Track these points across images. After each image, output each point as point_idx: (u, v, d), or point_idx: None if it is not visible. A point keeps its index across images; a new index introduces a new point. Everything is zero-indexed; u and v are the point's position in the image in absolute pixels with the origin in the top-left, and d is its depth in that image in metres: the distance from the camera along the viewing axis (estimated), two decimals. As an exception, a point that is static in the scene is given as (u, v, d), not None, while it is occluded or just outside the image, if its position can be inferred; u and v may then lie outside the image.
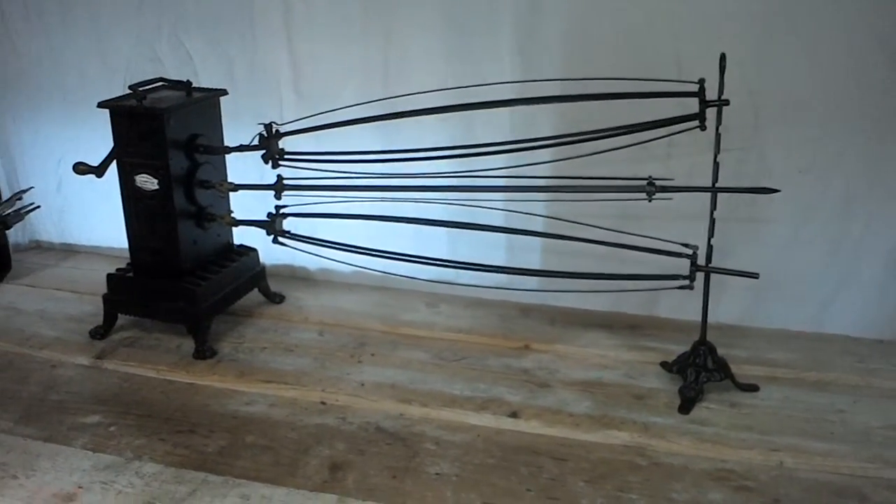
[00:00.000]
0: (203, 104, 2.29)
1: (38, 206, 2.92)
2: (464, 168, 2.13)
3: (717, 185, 1.94)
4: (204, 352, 2.26)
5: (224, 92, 2.35)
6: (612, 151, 1.98)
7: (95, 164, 2.23)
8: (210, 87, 2.40)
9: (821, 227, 2.29)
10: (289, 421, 2.00)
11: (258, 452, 1.88)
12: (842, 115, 2.17)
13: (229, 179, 2.37)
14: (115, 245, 2.74)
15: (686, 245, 1.98)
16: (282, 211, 2.23)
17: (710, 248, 1.99)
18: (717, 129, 1.90)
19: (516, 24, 2.32)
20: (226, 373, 2.20)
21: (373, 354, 2.30)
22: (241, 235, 2.51)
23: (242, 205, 2.41)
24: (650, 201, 1.96)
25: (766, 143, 2.24)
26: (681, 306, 2.33)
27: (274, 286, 2.64)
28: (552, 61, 2.30)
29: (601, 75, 1.98)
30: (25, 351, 2.33)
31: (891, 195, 2.22)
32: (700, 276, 2.01)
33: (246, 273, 2.47)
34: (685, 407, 2.00)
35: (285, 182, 2.20)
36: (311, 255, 2.30)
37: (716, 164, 1.93)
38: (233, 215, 2.38)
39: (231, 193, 2.35)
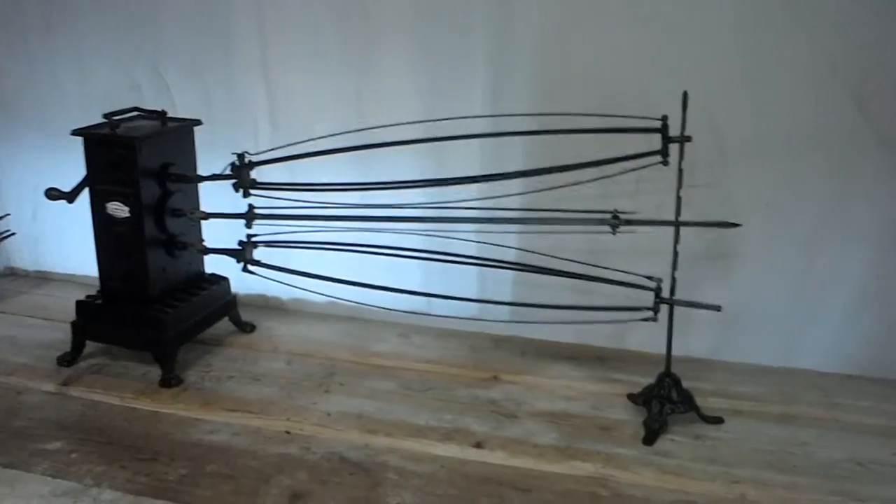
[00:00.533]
0: (177, 133, 2.31)
1: (14, 233, 2.93)
2: (435, 201, 2.15)
3: (680, 219, 1.96)
4: (170, 380, 2.25)
5: (198, 122, 2.38)
6: (584, 189, 2.01)
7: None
8: (187, 117, 2.43)
9: (787, 262, 2.32)
10: (251, 450, 1.99)
11: (219, 481, 1.86)
12: (805, 151, 2.21)
13: (206, 209, 2.38)
14: (90, 273, 2.72)
15: (650, 278, 2.00)
16: (252, 240, 2.24)
17: (673, 280, 2.00)
18: (679, 164, 1.93)
19: (488, 61, 2.37)
20: (191, 401, 2.19)
21: (341, 384, 2.30)
22: (215, 265, 2.52)
23: (216, 234, 2.42)
24: (614, 234, 1.99)
25: (731, 179, 2.28)
26: (648, 339, 2.34)
27: (246, 316, 2.64)
28: (522, 97, 2.34)
29: (570, 111, 2.01)
30: (-9, 377, 2.32)
31: (856, 230, 2.25)
32: (665, 308, 2.02)
33: (216, 302, 2.47)
34: (649, 438, 2.00)
35: (257, 211, 2.21)
36: (284, 286, 2.31)
37: (678, 199, 1.96)
38: (204, 244, 2.39)
39: (206, 223, 2.37)
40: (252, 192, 2.21)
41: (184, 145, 2.34)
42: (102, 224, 2.24)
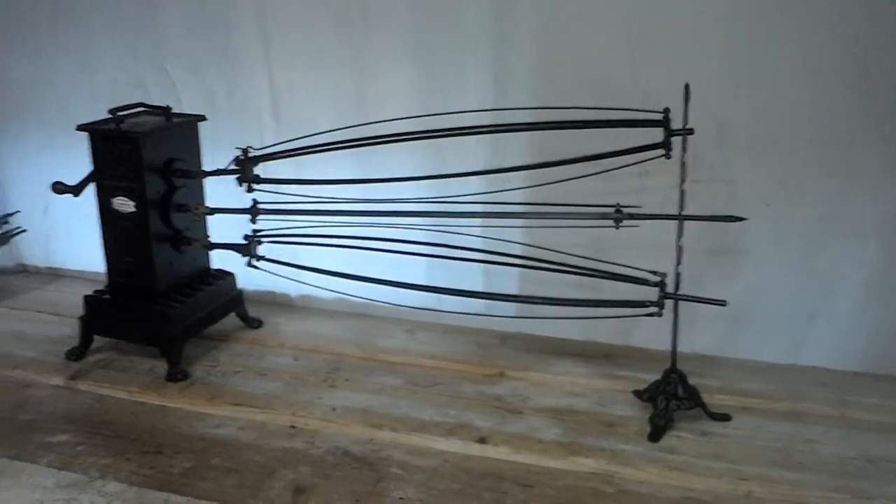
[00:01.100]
0: (181, 129, 2.33)
1: (24, 230, 2.96)
2: (438, 195, 2.15)
3: (683, 213, 1.95)
4: (176, 374, 2.26)
5: (202, 117, 2.39)
6: (588, 186, 2.00)
7: (79, 188, 2.26)
8: (192, 112, 2.44)
9: (793, 258, 2.30)
10: (256, 444, 1.99)
11: (223, 474, 1.87)
12: (809, 147, 2.20)
13: (212, 205, 2.39)
14: (101, 269, 2.75)
15: (654, 273, 1.99)
16: (258, 235, 2.25)
17: (677, 275, 1.99)
18: (682, 157, 1.91)
19: (487, 56, 2.36)
20: (197, 395, 2.20)
21: (347, 379, 2.30)
22: (222, 260, 2.53)
23: (224, 231, 2.43)
24: (617, 228, 1.98)
25: (735, 175, 2.26)
26: (655, 336, 2.32)
27: (254, 312, 2.65)
28: (522, 92, 2.34)
29: (571, 105, 2.00)
30: None
31: (860, 226, 2.23)
32: (670, 304, 2.01)
33: (222, 297, 2.48)
34: (655, 435, 1.99)
35: (261, 206, 2.22)
36: (291, 283, 2.32)
37: (681, 192, 1.94)
38: (210, 239, 2.40)
39: (213, 219, 2.38)
40: (256, 187, 2.21)
41: (188, 141, 2.35)
42: (108, 219, 2.26)
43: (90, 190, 2.28)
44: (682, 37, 2.20)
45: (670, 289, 2.00)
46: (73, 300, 2.72)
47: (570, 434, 2.02)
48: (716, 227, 2.11)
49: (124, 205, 2.22)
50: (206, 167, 2.38)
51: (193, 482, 1.84)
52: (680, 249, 1.97)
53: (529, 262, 2.12)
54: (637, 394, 2.16)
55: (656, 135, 1.94)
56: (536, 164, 2.05)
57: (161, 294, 2.29)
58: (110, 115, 2.22)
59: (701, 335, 2.38)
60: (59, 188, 2.24)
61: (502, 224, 2.18)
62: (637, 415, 2.10)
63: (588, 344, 2.49)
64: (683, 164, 1.91)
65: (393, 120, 2.09)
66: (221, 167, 2.25)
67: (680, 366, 2.07)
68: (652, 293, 2.01)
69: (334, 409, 2.14)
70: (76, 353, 2.38)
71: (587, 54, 2.29)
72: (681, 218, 1.95)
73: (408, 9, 2.39)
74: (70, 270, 3.05)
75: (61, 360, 2.38)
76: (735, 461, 1.91)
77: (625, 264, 2.01)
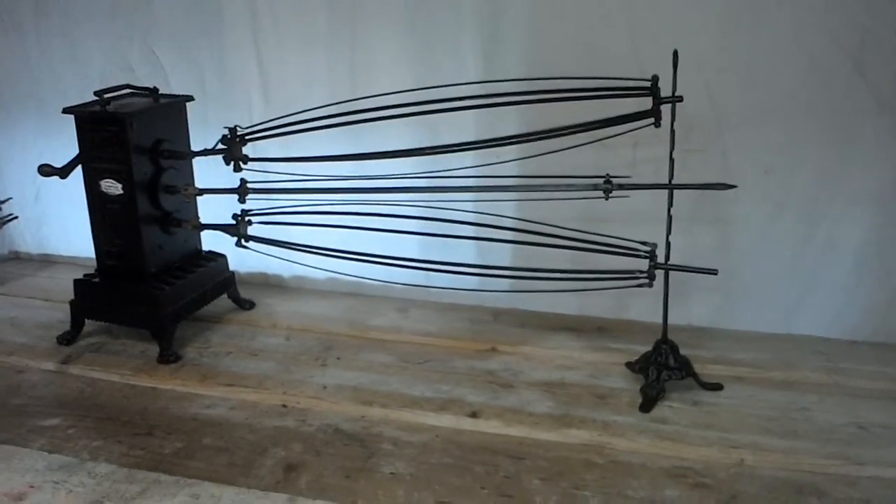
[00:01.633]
0: (169, 109, 2.31)
1: (16, 217, 2.95)
2: (429, 170, 2.13)
3: (674, 182, 1.93)
4: (168, 356, 2.25)
5: (190, 98, 2.37)
6: (581, 159, 1.98)
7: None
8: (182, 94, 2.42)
9: (787, 228, 2.28)
10: (248, 423, 1.99)
11: (213, 454, 1.87)
12: (804, 116, 2.17)
13: (205, 187, 2.37)
14: (93, 255, 2.75)
15: (644, 243, 1.97)
16: (247, 215, 2.23)
17: (668, 245, 1.97)
18: (671, 125, 1.89)
19: (479, 28, 2.34)
20: (188, 377, 2.20)
21: (338, 358, 2.29)
22: (215, 242, 2.51)
23: (216, 212, 2.41)
24: (607, 199, 1.96)
25: (729, 144, 2.24)
26: (650, 309, 2.29)
27: (246, 293, 2.64)
28: (514, 63, 2.32)
29: (563, 76, 1.98)
30: (-9, 357, 2.34)
31: (856, 195, 2.21)
32: (661, 275, 1.99)
33: (213, 279, 2.47)
34: (646, 405, 1.98)
35: (250, 186, 2.21)
36: (284, 264, 2.31)
37: (671, 161, 1.92)
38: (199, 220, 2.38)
39: (205, 201, 2.36)
40: (245, 166, 2.20)
41: (176, 121, 2.33)
42: (97, 202, 2.25)
43: (80, 176, 2.27)
44: (676, 6, 2.18)
45: (662, 259, 1.98)
46: (65, 286, 2.70)
47: (562, 407, 2.02)
48: (710, 199, 2.10)
49: (112, 187, 2.21)
50: (198, 149, 2.36)
51: (184, 462, 1.84)
52: (670, 219, 1.96)
53: (520, 238, 2.09)
54: (629, 366, 2.15)
55: (649, 105, 1.91)
56: (520, 135, 2.03)
57: (151, 276, 2.28)
58: (96, 98, 2.21)
59: (696, 307, 2.37)
60: (45, 170, 2.22)
61: (494, 198, 2.16)
62: (629, 387, 2.09)
63: (582, 318, 2.48)
64: (672, 132, 1.89)
65: (383, 95, 2.06)
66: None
67: (674, 338, 2.06)
68: (643, 264, 1.99)
69: (325, 387, 2.14)
70: (68, 338, 2.38)
71: (581, 24, 2.26)
72: (671, 187, 1.93)
73: None
74: (62, 256, 3.05)
75: (53, 345, 2.38)
76: (727, 430, 1.90)
77: (618, 237, 2.00)
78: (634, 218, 2.07)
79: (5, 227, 2.91)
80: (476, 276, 2.18)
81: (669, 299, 2.03)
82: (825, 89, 2.14)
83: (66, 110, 2.21)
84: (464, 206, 2.14)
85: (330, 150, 2.21)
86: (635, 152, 2.27)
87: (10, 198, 2.93)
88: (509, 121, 2.28)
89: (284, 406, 2.06)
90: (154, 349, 2.29)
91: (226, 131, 2.19)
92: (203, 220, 2.40)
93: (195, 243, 2.47)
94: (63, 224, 2.97)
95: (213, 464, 1.83)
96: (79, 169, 2.25)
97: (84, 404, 2.09)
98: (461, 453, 1.85)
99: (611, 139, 1.96)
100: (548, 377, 2.16)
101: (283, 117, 2.14)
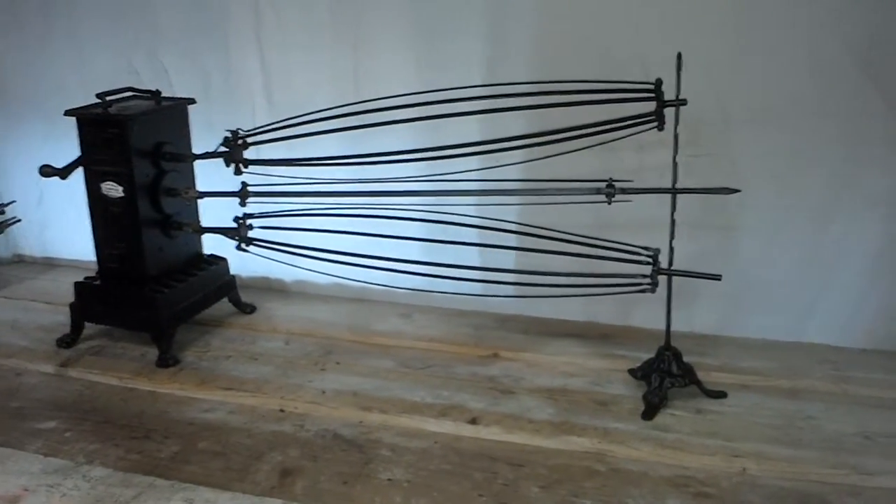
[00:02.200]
0: (170, 112, 2.30)
1: (19, 220, 2.94)
2: (432, 175, 2.11)
3: (677, 186, 1.91)
4: (167, 360, 2.24)
5: (192, 101, 2.36)
6: (586, 165, 1.97)
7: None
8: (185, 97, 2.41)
9: (796, 235, 2.25)
10: (245, 428, 1.97)
11: (209, 458, 1.85)
12: (813, 121, 2.14)
13: (208, 190, 2.35)
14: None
15: (646, 248, 1.95)
16: (249, 218, 2.22)
17: (671, 250, 1.94)
18: (675, 128, 1.87)
19: (484, 32, 2.32)
20: (187, 381, 2.18)
21: (338, 363, 2.27)
22: (216, 246, 2.50)
23: (218, 216, 2.40)
24: (609, 203, 1.94)
25: (736, 149, 2.21)
26: (654, 316, 2.26)
27: (248, 297, 2.63)
28: (519, 68, 2.30)
29: (567, 79, 1.96)
30: (-9, 359, 2.34)
31: (865, 201, 2.18)
32: (664, 281, 1.97)
33: (214, 282, 2.46)
34: (649, 413, 1.95)
35: (251, 189, 2.19)
36: (286, 268, 2.28)
37: (675, 165, 1.90)
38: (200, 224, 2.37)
39: (207, 204, 2.35)
40: (246, 169, 2.19)
41: (178, 124, 2.32)
42: (98, 205, 2.24)
43: (82, 179, 2.26)
44: (683, 8, 2.15)
45: (666, 265, 1.96)
46: (67, 289, 2.69)
47: (563, 413, 1.99)
48: (717, 204, 2.06)
49: (113, 190, 2.20)
50: (201, 152, 2.35)
51: (179, 466, 1.82)
52: (673, 224, 1.93)
53: (524, 243, 2.07)
54: (632, 372, 2.12)
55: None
56: (521, 136, 2.01)
57: (152, 279, 2.27)
58: (98, 100, 2.20)
59: (701, 314, 2.34)
60: (46, 171, 2.22)
61: (497, 202, 2.14)
62: (632, 394, 2.06)
63: (587, 325, 2.46)
64: (676, 136, 1.87)
65: (385, 98, 2.05)
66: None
67: (678, 345, 2.03)
68: (649, 270, 1.96)
69: (324, 392, 2.12)
70: (67, 341, 2.37)
71: (586, 27, 2.25)
72: (673, 191, 1.91)
73: None
74: (65, 259, 3.04)
75: (53, 348, 2.37)
76: (730, 438, 1.87)
77: (623, 242, 1.97)
78: (640, 224, 2.05)
79: (9, 230, 2.90)
80: (479, 281, 2.16)
81: (675, 306, 2.00)
82: (834, 92, 2.12)
83: (67, 112, 2.21)
84: (467, 210, 2.12)
85: (333, 153, 2.19)
86: (641, 158, 2.24)
87: (14, 201, 2.92)
88: (514, 124, 2.26)
89: (282, 411, 2.04)
90: (153, 352, 2.28)
91: (228, 134, 2.18)
92: (204, 224, 2.39)
93: (196, 246, 2.46)
94: (66, 227, 2.96)
95: (209, 468, 1.81)
96: (81, 172, 2.25)
97: (82, 407, 2.08)
98: (460, 460, 1.83)
99: (615, 143, 1.94)
100: (549, 384, 2.13)
101: (284, 120, 2.13)
